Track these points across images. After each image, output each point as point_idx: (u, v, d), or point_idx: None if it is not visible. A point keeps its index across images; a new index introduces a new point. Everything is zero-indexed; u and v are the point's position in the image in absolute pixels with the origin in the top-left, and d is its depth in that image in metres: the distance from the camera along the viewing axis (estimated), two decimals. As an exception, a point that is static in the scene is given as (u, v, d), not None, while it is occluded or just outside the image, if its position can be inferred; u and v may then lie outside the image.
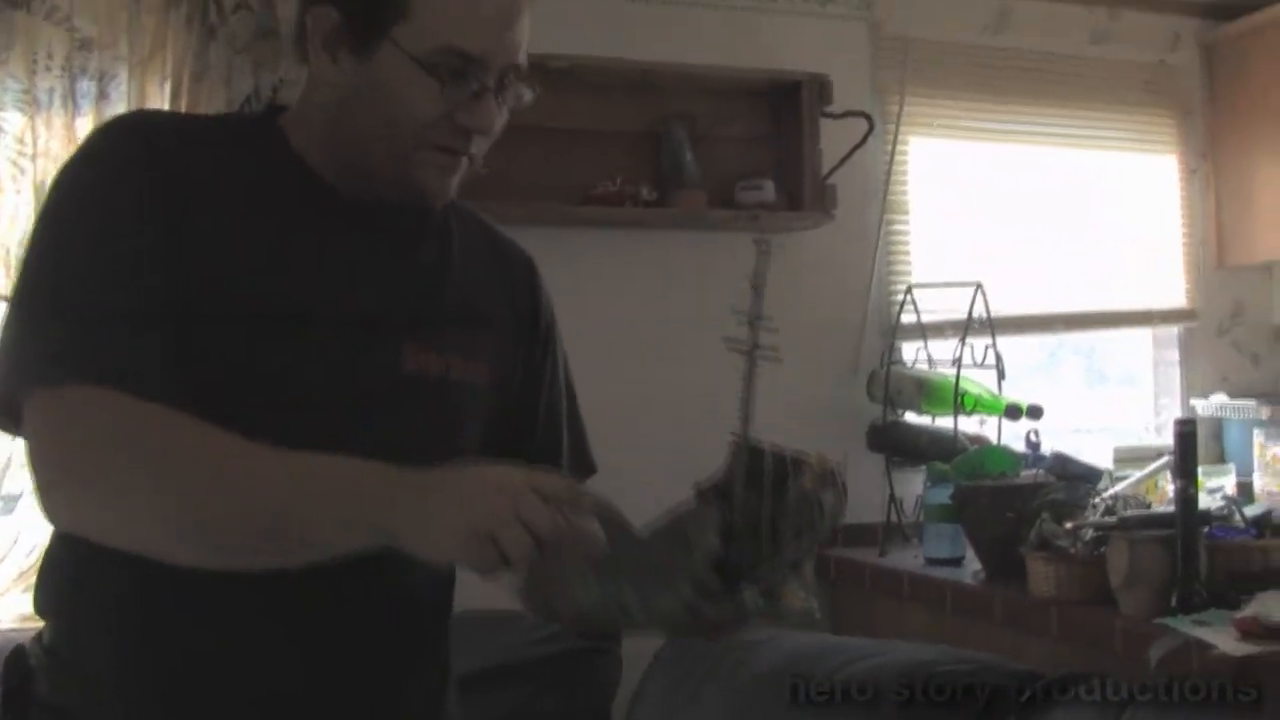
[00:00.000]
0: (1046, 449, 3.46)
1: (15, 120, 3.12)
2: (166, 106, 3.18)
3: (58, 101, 3.14)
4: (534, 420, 1.68)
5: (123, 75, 3.19)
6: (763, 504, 1.32)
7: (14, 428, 1.40)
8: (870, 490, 3.67)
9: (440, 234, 1.60)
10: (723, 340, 1.39)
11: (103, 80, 3.18)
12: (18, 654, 1.52)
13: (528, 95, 1.51)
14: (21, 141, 3.12)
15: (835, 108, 3.68)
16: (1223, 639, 2.29)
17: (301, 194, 1.50)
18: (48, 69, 3.13)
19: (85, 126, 3.13)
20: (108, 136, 1.49)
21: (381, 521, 1.28)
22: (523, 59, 1.48)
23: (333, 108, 1.48)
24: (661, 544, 1.33)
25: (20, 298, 1.39)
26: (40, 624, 1.54)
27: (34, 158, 3.10)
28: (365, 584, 1.44)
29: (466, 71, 1.43)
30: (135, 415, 1.32)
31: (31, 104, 3.12)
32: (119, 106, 3.18)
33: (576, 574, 1.31)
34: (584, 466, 1.74)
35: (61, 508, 1.37)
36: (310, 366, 1.44)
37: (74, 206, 1.42)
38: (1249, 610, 2.34)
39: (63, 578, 1.50)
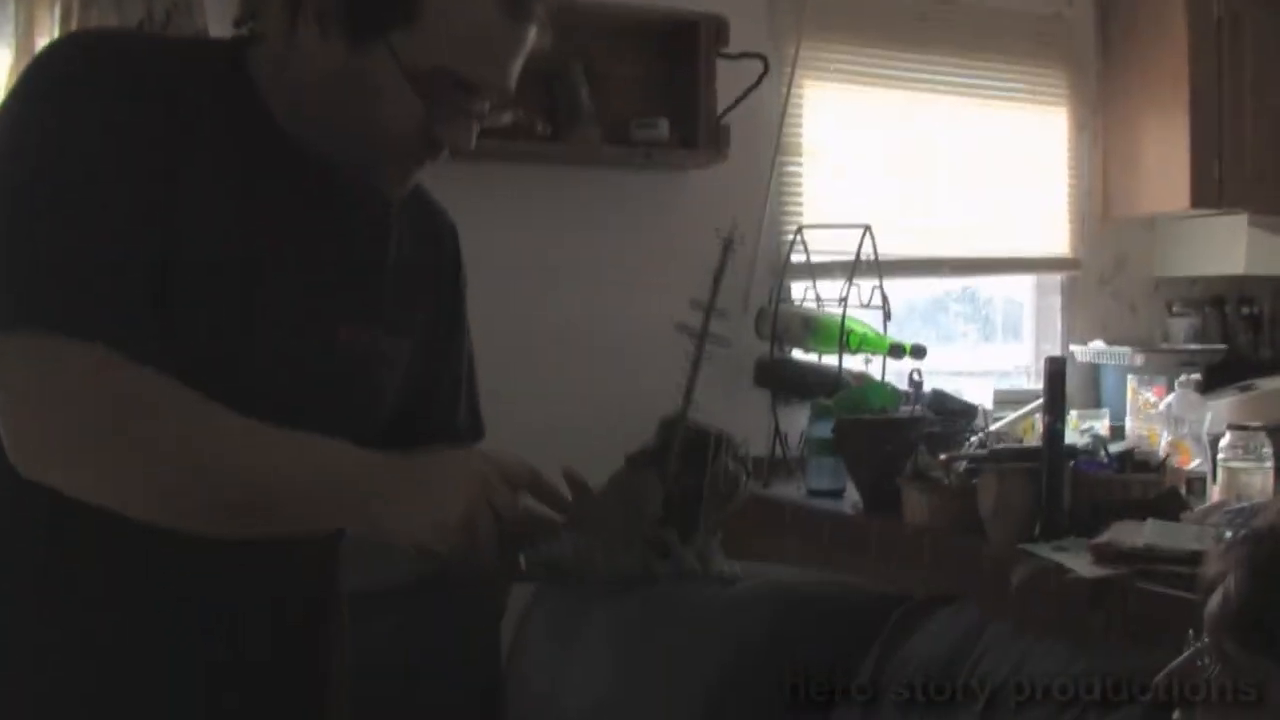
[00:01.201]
0: (928, 389, 3.54)
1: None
2: (56, 30, 3.14)
3: (-58, 26, 3.11)
4: (439, 384, 1.68)
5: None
6: (698, 477, 1.48)
7: None
8: (756, 424, 3.73)
9: (383, 207, 1.54)
10: (675, 326, 1.50)
11: (-11, 4, 3.15)
12: None
13: (507, 118, 1.46)
14: (-95, 61, 3.10)
15: (731, 49, 3.71)
16: (1079, 563, 2.39)
17: (266, 152, 1.42)
18: (-70, -11, 3.11)
19: (-29, 48, 3.11)
20: (86, 58, 1.36)
21: (365, 509, 1.31)
22: (513, 86, 1.42)
23: (310, 79, 1.39)
24: (616, 506, 1.47)
25: None
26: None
27: (-84, 78, 3.07)
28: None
29: (456, 96, 1.37)
30: (141, 381, 1.27)
31: (-86, 31, 3.10)
32: (5, 29, 3.14)
33: (551, 534, 1.44)
34: (476, 431, 1.74)
35: (45, 462, 1.28)
36: (254, 341, 1.40)
37: (61, 135, 1.30)
38: (1104, 536, 2.44)
39: None
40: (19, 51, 3.13)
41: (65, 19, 3.17)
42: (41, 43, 3.16)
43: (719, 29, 3.71)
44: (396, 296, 1.55)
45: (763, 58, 3.72)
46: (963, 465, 2.86)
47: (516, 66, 1.41)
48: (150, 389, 1.27)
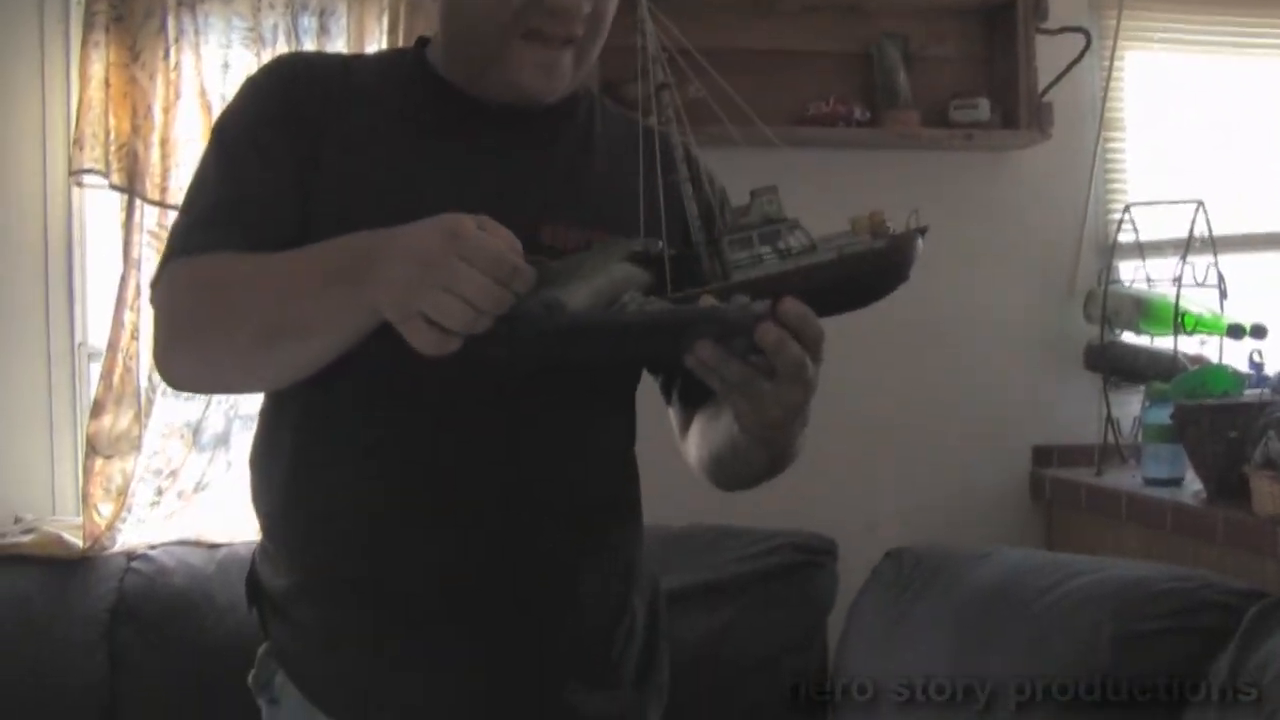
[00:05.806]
0: (1271, 369, 3.38)
1: (243, 56, 3.25)
2: (384, 38, 3.27)
3: (281, 37, 3.26)
4: None
5: (342, 9, 3.28)
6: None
7: None
8: (1087, 410, 3.63)
9: (583, 125, 1.69)
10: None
11: (323, 15, 3.27)
12: (255, 550, 1.72)
13: None
14: (248, 77, 3.26)
15: (1051, 23, 3.62)
16: None
17: (439, 105, 1.62)
18: (271, 6, 3.25)
19: (308, 60, 3.23)
20: (257, 72, 1.67)
21: (360, 299, 1.31)
22: None
23: (443, 15, 1.60)
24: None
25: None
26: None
27: (260, 92, 3.22)
28: (534, 465, 1.57)
29: None
30: (196, 267, 1.49)
31: (257, 40, 3.24)
32: (339, 40, 3.28)
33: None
34: None
35: (166, 364, 1.54)
36: None
37: (217, 131, 1.62)
38: None
39: (255, 481, 1.68)
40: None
41: (393, 27, 3.28)
42: (371, 48, 3.28)
43: (1037, 3, 3.61)
44: (610, 193, 1.59)
45: (1084, 31, 3.60)
46: (1316, 452, 2.72)
47: None
48: (208, 264, 1.48)
